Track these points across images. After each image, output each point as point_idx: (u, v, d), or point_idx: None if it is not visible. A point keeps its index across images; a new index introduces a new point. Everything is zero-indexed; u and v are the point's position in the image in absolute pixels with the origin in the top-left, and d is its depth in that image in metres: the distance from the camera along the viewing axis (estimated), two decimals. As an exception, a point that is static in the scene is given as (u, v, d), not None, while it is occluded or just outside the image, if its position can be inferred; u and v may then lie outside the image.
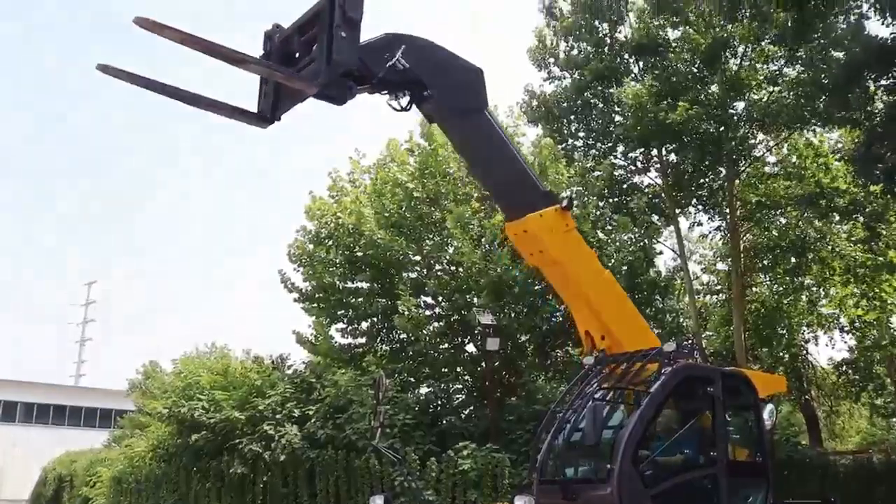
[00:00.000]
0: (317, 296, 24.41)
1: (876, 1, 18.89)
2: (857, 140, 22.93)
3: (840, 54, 22.37)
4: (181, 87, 7.65)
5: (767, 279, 31.71)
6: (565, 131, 29.39)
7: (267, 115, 8.08)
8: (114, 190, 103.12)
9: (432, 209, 22.88)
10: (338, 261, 23.88)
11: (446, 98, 8.96)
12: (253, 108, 8.22)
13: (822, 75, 22.83)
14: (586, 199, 23.65)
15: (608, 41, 29.01)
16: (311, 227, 24.61)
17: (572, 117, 29.38)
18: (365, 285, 24.06)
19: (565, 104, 28.94)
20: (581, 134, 29.88)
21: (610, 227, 23.96)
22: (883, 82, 19.89)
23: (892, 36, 18.74)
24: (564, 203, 10.07)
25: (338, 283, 24.01)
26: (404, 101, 8.75)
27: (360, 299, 23.76)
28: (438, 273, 23.13)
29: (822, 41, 23.23)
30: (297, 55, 7.94)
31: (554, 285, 10.87)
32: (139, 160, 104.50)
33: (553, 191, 11.77)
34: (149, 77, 7.45)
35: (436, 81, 8.72)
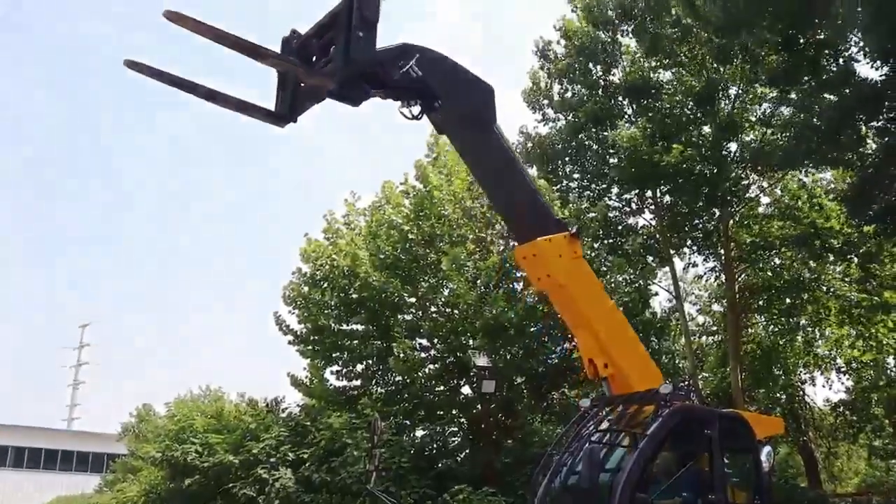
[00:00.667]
0: (312, 338, 24.39)
1: (864, 45, 19.08)
2: (849, 181, 23.06)
3: (831, 96, 22.55)
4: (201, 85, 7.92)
5: (763, 320, 31.70)
6: (560, 173, 29.51)
7: (285, 114, 8.27)
8: (113, 239, 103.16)
9: (427, 251, 22.91)
10: (333, 303, 23.88)
11: (456, 109, 9.04)
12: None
13: (814, 117, 22.98)
14: (581, 240, 23.65)
15: (602, 83, 29.22)
16: (306, 269, 24.66)
17: (567, 159, 29.53)
18: (360, 327, 24.03)
19: (560, 146, 29.11)
20: (576, 175, 30.01)
21: (605, 269, 23.99)
22: (874, 124, 20.06)
23: (881, 79, 18.92)
24: (574, 230, 10.19)
25: (333, 325, 23.99)
26: (416, 109, 8.82)
27: (356, 341, 23.71)
28: (434, 315, 23.11)
29: (813, 83, 23.41)
30: (315, 58, 8.13)
31: (560, 311, 10.94)
32: (125, 198, 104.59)
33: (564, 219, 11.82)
34: (174, 74, 7.71)
35: (447, 92, 8.81)
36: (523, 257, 10.13)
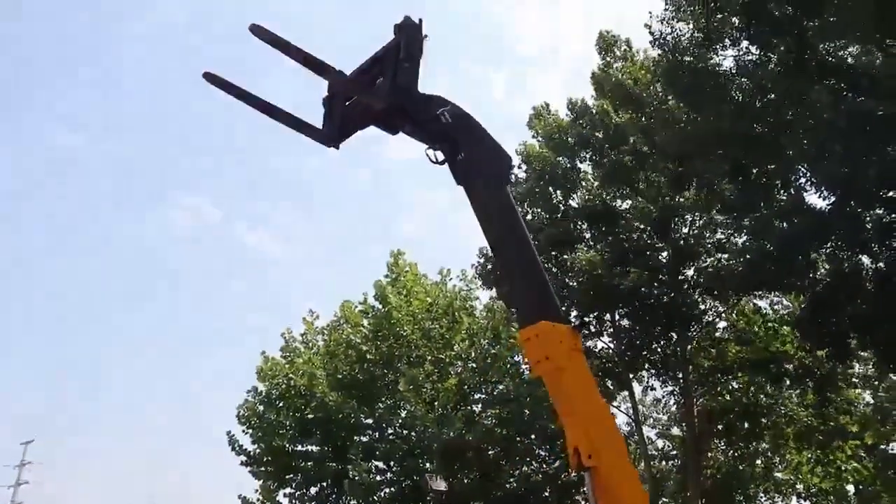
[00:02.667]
0: (265, 459, 23.86)
1: (812, 176, 19.76)
2: (803, 304, 23.44)
3: (783, 224, 23.14)
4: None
5: (723, 444, 31.56)
6: (519, 294, 29.58)
7: (334, 135, 8.88)
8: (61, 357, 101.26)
9: (385, 371, 22.81)
10: (288, 423, 23.53)
11: (476, 165, 9.26)
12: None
13: (767, 244, 23.51)
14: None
15: (562, 208, 29.71)
16: (262, 387, 24.34)
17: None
18: (315, 449, 23.62)
19: (520, 268, 29.29)
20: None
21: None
22: (824, 250, 20.55)
23: (828, 208, 19.51)
24: (577, 323, 10.33)
25: (287, 446, 23.54)
26: (440, 156, 9.16)
27: (310, 463, 23.28)
28: (391, 437, 22.80)
29: (765, 211, 24.04)
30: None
31: (553, 397, 10.88)
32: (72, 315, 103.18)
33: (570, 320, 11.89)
34: (242, 88, 8.46)
35: (469, 144, 9.14)
36: (526, 338, 10.22)
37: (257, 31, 7.71)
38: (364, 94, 8.70)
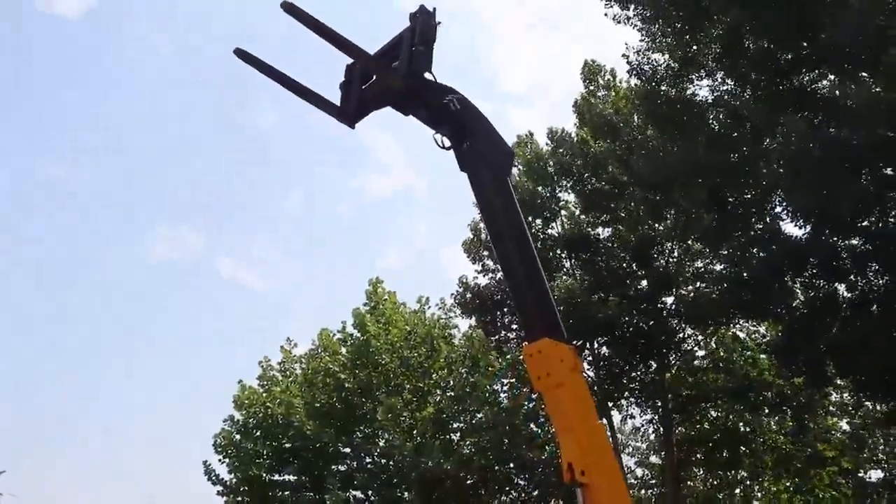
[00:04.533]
0: (241, 489, 23.62)
1: (788, 205, 19.93)
2: (780, 332, 23.56)
3: (760, 252, 23.29)
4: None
5: (702, 472, 31.56)
6: (498, 323, 29.65)
7: (352, 113, 9.27)
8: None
9: (364, 400, 22.70)
10: (265, 452, 23.32)
11: (481, 150, 9.51)
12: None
13: (744, 272, 23.64)
14: (517, 391, 23.68)
15: (541, 236, 29.81)
16: (238, 416, 24.15)
17: (505, 309, 29.74)
18: (292, 478, 23.43)
19: (499, 296, 29.37)
20: (514, 326, 30.17)
21: (542, 419, 23.88)
22: (801, 279, 20.69)
23: (804, 236, 19.67)
24: (577, 344, 10.42)
25: (264, 475, 23.34)
26: (447, 142, 9.43)
27: (287, 492, 23.07)
28: (368, 466, 22.65)
29: (742, 240, 24.21)
30: (375, 77, 9.19)
31: (550, 413, 11.01)
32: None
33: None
34: (274, 67, 8.86)
35: (476, 133, 9.43)
36: (529, 354, 10.37)
37: (290, 8, 7.95)
38: (383, 74, 9.08)
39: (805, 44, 19.35)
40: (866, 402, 27.12)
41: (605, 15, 22.03)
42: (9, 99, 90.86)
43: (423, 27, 8.95)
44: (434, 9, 9.10)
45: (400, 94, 9.12)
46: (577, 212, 29.50)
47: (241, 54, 8.74)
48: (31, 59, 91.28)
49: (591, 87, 30.01)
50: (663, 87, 22.17)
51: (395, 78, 9.01)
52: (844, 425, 30.76)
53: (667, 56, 21.95)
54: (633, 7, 21.42)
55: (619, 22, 21.83)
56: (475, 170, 10.17)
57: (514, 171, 30.15)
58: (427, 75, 9.08)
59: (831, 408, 29.65)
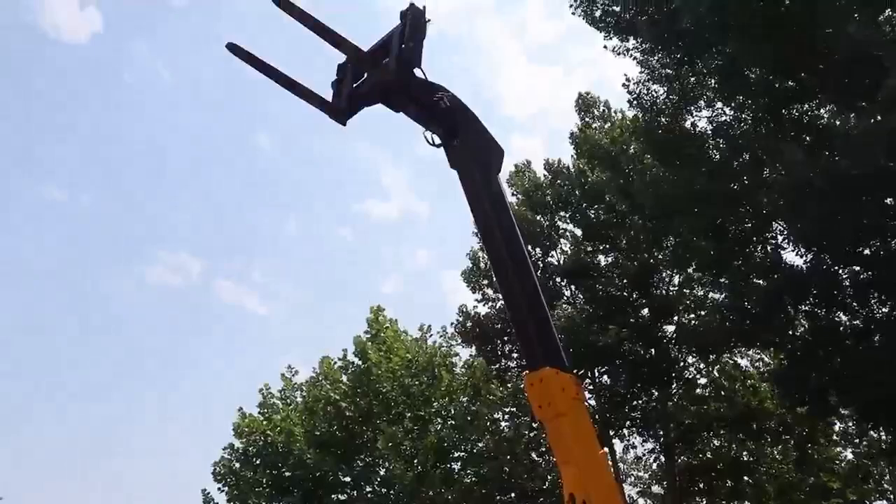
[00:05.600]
0: (241, 518, 23.50)
1: (788, 233, 19.97)
2: (782, 361, 23.52)
3: (760, 281, 23.29)
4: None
5: (704, 502, 31.35)
6: (499, 352, 29.60)
7: (343, 109, 9.27)
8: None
9: (364, 428, 22.62)
10: (265, 481, 23.21)
11: (471, 147, 9.56)
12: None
13: (745, 301, 23.63)
14: (519, 420, 23.61)
15: (541, 265, 29.85)
16: (238, 444, 24.06)
17: (506, 338, 29.71)
18: (292, 508, 23.26)
19: (499, 325, 29.35)
20: (515, 354, 30.12)
21: (544, 449, 23.80)
22: (802, 307, 20.68)
23: (806, 265, 19.68)
24: (578, 374, 10.33)
25: (263, 504, 23.21)
26: (437, 140, 9.47)
27: (287, 522, 22.91)
28: (369, 495, 22.55)
29: (742, 269, 24.21)
30: (367, 75, 9.24)
31: (552, 443, 10.88)
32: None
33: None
34: (264, 61, 8.84)
35: (466, 130, 9.48)
36: (531, 383, 10.28)
37: (281, 2, 8.03)
38: (374, 69, 9.15)
39: (803, 74, 19.47)
40: (871, 432, 27.02)
41: (605, 47, 22.19)
42: (12, 122, 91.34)
43: (413, 23, 9.06)
44: (424, 7, 9.21)
45: (390, 88, 9.17)
46: (577, 240, 29.54)
47: (234, 49, 8.78)
48: (36, 83, 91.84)
49: (587, 119, 30.27)
50: (663, 119, 22.28)
51: (386, 71, 9.09)
52: (849, 455, 30.64)
53: (666, 87, 22.08)
54: (632, 39, 21.57)
55: (618, 54, 21.97)
56: (465, 167, 10.20)
57: (513, 199, 30.26)
58: (417, 72, 9.14)
59: (835, 437, 29.53)
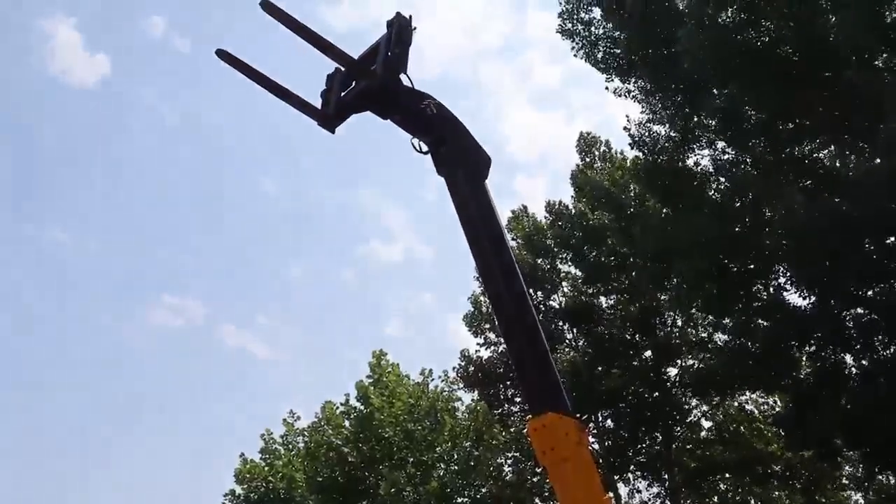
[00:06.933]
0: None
1: (791, 275, 19.93)
2: (787, 404, 23.34)
3: (764, 322, 23.20)
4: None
5: (712, 549, 30.94)
6: (501, 396, 29.40)
7: (332, 117, 9.26)
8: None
9: (367, 473, 22.42)
10: (266, 529, 22.95)
11: (457, 154, 9.55)
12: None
13: (748, 342, 23.52)
14: (522, 465, 23.40)
15: (543, 308, 29.74)
16: (240, 490, 23.83)
17: (508, 382, 29.53)
18: (294, 555, 22.97)
19: (501, 369, 29.18)
20: (517, 399, 29.92)
21: (547, 494, 23.55)
22: (806, 349, 20.58)
23: (809, 307, 19.62)
24: (582, 418, 10.19)
25: (264, 553, 22.92)
26: (424, 147, 9.47)
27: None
28: (371, 542, 22.26)
29: (746, 310, 24.12)
30: (354, 83, 9.25)
31: (556, 488, 10.71)
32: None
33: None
34: (254, 68, 8.88)
35: (452, 137, 9.51)
36: (534, 428, 10.11)
37: (269, 7, 8.05)
38: (362, 75, 9.21)
39: (803, 116, 19.57)
40: (879, 476, 26.73)
41: (606, 89, 22.34)
42: (18, 165, 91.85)
43: (399, 31, 9.18)
44: (410, 16, 9.36)
45: (377, 94, 9.21)
46: (579, 282, 29.47)
47: (223, 55, 8.82)
48: (44, 127, 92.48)
49: (588, 159, 30.31)
50: (664, 159, 22.34)
51: (373, 77, 9.16)
52: (858, 499, 30.28)
53: (667, 127, 22.17)
54: (633, 81, 21.71)
55: (619, 95, 22.11)
56: (452, 174, 10.22)
57: (513, 244, 30.24)
58: (405, 80, 9.18)
59: (843, 481, 29.16)
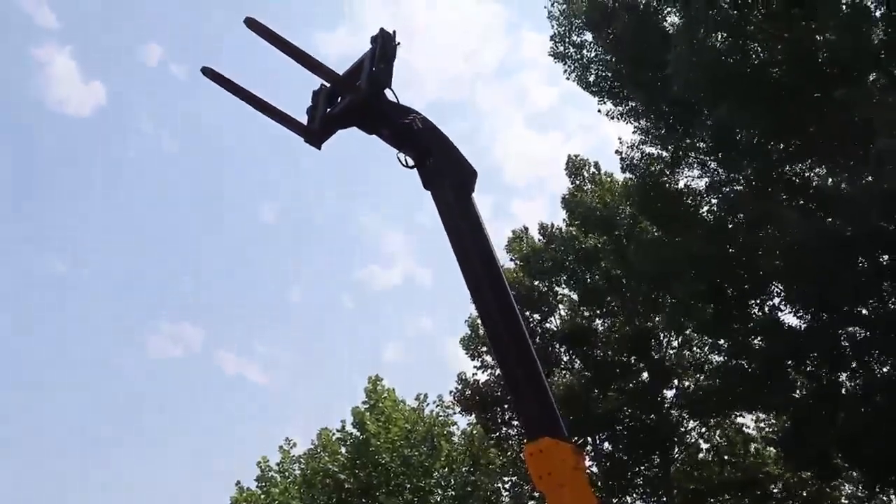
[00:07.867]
0: None
1: (786, 295, 19.96)
2: (785, 423, 23.28)
3: (760, 343, 23.18)
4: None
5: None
6: (499, 419, 29.30)
7: (317, 132, 9.32)
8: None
9: (364, 500, 22.27)
10: (262, 559, 22.76)
11: (444, 167, 9.57)
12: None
13: (744, 363, 23.50)
14: (520, 489, 23.29)
15: (539, 331, 29.71)
16: (236, 520, 23.65)
17: (505, 406, 29.42)
18: (291, 585, 22.78)
19: (498, 392, 29.10)
20: (514, 422, 29.80)
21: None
22: (803, 369, 20.57)
23: (804, 326, 19.64)
24: (578, 442, 10.14)
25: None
26: (411, 161, 9.54)
27: None
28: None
29: (741, 330, 24.10)
30: (340, 99, 9.31)
31: None
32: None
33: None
34: (239, 85, 8.85)
35: (438, 151, 9.55)
36: (530, 454, 10.07)
37: (253, 25, 8.03)
38: (347, 91, 9.27)
39: (795, 136, 19.66)
40: (880, 494, 26.62)
41: (599, 111, 22.44)
42: (14, 194, 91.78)
43: (383, 46, 9.23)
44: (394, 31, 9.42)
45: (362, 109, 9.26)
46: (574, 305, 29.45)
47: (209, 73, 8.83)
48: (40, 156, 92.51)
49: (577, 182, 30.34)
50: (656, 181, 22.40)
51: (358, 91, 9.20)
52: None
53: (659, 148, 22.25)
54: (625, 103, 21.82)
55: (612, 118, 22.21)
56: (438, 188, 10.24)
57: (511, 265, 30.23)
58: (390, 95, 9.24)
59: (843, 500, 29.02)
